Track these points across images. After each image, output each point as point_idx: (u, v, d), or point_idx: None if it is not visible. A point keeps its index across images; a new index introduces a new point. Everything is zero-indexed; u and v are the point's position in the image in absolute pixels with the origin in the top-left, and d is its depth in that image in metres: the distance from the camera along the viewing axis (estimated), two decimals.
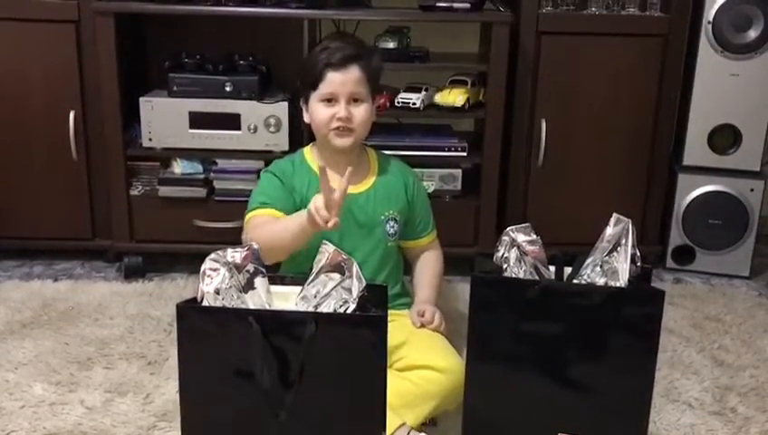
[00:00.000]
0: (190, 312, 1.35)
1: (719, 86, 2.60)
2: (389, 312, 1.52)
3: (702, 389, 2.03)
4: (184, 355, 1.36)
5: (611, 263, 1.46)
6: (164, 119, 2.47)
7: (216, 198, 2.55)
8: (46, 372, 2.01)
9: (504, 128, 2.54)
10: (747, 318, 2.43)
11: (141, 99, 2.46)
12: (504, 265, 1.51)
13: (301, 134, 2.49)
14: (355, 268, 1.35)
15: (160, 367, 2.06)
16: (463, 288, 2.56)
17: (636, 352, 1.45)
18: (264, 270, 1.40)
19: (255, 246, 1.41)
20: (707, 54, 2.58)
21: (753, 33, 2.54)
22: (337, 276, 1.36)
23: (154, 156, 2.55)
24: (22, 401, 1.88)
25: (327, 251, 1.37)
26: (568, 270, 1.52)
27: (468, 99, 2.53)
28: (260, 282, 1.38)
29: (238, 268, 1.36)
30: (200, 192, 2.54)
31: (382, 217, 1.88)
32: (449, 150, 2.57)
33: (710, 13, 2.54)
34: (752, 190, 2.66)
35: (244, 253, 1.37)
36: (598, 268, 1.47)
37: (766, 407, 1.96)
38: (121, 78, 2.43)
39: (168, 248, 2.60)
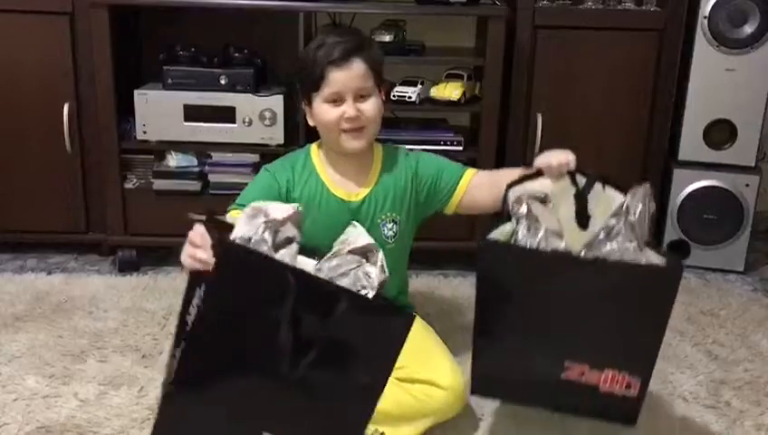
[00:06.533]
0: (236, 251, 1.24)
1: (715, 81, 2.60)
2: None
3: (696, 383, 2.03)
4: (212, 293, 1.24)
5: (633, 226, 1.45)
6: (158, 112, 2.46)
7: (211, 192, 2.54)
8: (40, 364, 2.00)
9: (500, 122, 2.54)
10: (742, 313, 2.43)
11: (136, 91, 2.45)
12: (516, 225, 1.46)
13: (297, 128, 2.48)
14: (380, 257, 1.30)
15: (154, 360, 2.05)
16: (460, 282, 2.56)
17: (647, 316, 1.45)
18: (298, 237, 1.32)
19: (300, 209, 1.34)
20: (703, 49, 2.58)
21: (748, 29, 2.54)
22: (357, 259, 1.30)
23: (148, 149, 2.54)
24: (15, 394, 1.87)
25: (354, 233, 1.32)
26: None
27: (464, 93, 2.53)
28: (290, 248, 1.31)
29: (275, 225, 1.29)
30: (195, 185, 2.54)
31: (378, 221, 1.75)
32: (445, 144, 2.56)
33: (706, 7, 2.54)
34: (747, 186, 2.66)
35: (289, 212, 1.30)
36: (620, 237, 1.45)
37: (760, 400, 1.96)
38: (116, 70, 2.42)
39: (163, 242, 2.58)
